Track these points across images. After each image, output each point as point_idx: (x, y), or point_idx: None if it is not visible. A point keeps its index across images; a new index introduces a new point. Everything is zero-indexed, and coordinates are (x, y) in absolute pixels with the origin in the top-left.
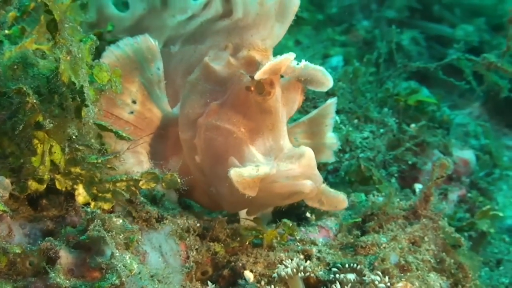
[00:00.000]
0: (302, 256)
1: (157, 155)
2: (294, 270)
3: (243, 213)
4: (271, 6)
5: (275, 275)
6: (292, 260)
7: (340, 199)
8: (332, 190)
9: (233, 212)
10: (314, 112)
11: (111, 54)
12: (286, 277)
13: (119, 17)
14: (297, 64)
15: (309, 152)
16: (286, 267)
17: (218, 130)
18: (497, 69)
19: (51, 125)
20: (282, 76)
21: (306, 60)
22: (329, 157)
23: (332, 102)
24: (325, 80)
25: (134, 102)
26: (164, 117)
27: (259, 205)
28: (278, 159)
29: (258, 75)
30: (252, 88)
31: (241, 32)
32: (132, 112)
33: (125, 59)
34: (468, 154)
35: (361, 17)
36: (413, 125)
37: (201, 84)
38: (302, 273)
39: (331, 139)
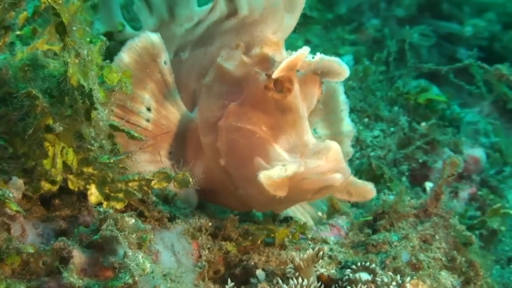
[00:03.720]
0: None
1: (178, 160)
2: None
3: None
4: None
5: (289, 268)
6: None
7: (369, 189)
8: (359, 180)
9: (264, 211)
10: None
11: (120, 64)
12: (302, 265)
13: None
14: (312, 57)
15: (335, 146)
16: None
17: (240, 132)
18: (509, 82)
19: (61, 128)
20: (297, 71)
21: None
22: (348, 148)
23: (339, 85)
24: (342, 70)
25: (149, 109)
26: (182, 122)
27: (289, 202)
28: (305, 156)
29: (275, 74)
30: (270, 86)
31: (250, 29)
32: (148, 120)
33: (134, 66)
34: (478, 152)
35: (371, 16)
36: (423, 124)
37: (216, 86)
38: (317, 260)
39: (348, 126)
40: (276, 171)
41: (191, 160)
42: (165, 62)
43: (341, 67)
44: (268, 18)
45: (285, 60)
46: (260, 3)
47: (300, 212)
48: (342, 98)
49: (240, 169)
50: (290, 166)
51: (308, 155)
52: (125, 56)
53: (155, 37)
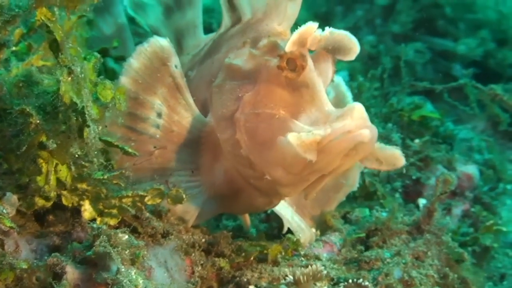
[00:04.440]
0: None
1: (193, 167)
2: (310, 275)
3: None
4: None
5: (289, 278)
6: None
7: (397, 155)
8: (388, 147)
9: (293, 195)
10: (331, 94)
11: (130, 70)
12: (302, 280)
13: None
14: (322, 32)
15: (358, 105)
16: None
17: (259, 117)
18: (502, 102)
19: (55, 145)
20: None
21: None
22: None
23: (339, 79)
24: (352, 44)
25: (159, 115)
26: (196, 127)
27: (317, 173)
28: (329, 122)
29: (288, 47)
30: (283, 65)
31: (255, 27)
32: (158, 127)
33: (144, 71)
34: (471, 169)
35: (366, 32)
36: (417, 140)
37: (228, 83)
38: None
39: None
40: (303, 133)
41: (208, 165)
42: (176, 66)
43: (351, 41)
44: (272, 13)
45: (295, 33)
46: (262, 2)
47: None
48: (343, 87)
49: (264, 153)
50: (316, 131)
51: (332, 120)
52: (135, 61)
53: (164, 41)
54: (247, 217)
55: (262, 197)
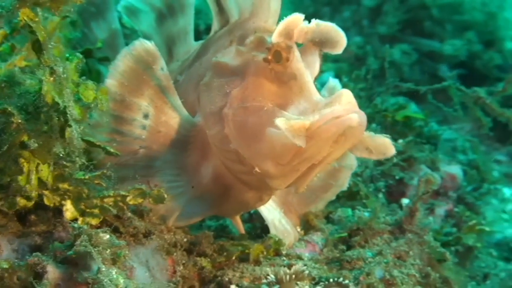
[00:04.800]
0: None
1: (179, 166)
2: (293, 275)
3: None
4: None
5: (270, 278)
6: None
7: (388, 143)
8: (378, 135)
9: (283, 187)
10: (326, 96)
11: (115, 72)
12: (284, 280)
13: None
14: (308, 24)
15: (346, 91)
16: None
17: (247, 111)
18: (485, 105)
19: (36, 145)
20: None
21: None
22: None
23: (335, 82)
24: (339, 37)
25: (146, 116)
26: (184, 127)
27: (307, 162)
28: (318, 109)
29: (274, 38)
30: (270, 58)
31: (242, 26)
32: (144, 127)
33: (130, 73)
34: (455, 169)
35: (354, 33)
36: (400, 141)
37: (215, 81)
38: (298, 280)
39: None
40: (292, 119)
41: (195, 164)
42: (162, 69)
43: (338, 33)
44: (258, 11)
45: (281, 23)
46: (248, 2)
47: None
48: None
49: (253, 146)
50: (305, 117)
51: (321, 108)
52: (120, 64)
53: (149, 44)
54: (238, 221)
55: (252, 192)
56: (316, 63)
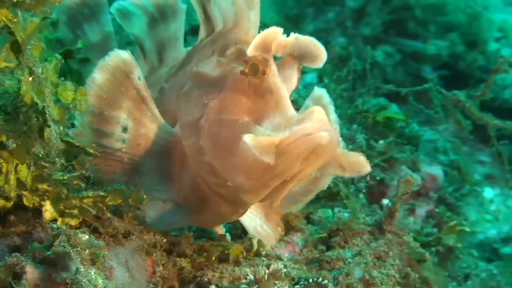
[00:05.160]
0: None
1: (162, 174)
2: (271, 274)
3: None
4: None
5: (249, 277)
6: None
7: (361, 160)
8: (352, 153)
9: (256, 202)
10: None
11: (93, 85)
12: (263, 279)
13: None
14: (287, 37)
15: (318, 108)
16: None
17: (222, 123)
18: (464, 109)
19: (14, 145)
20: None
21: None
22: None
23: (321, 92)
24: (319, 51)
25: (125, 130)
26: (163, 137)
27: (278, 178)
28: (290, 126)
29: (249, 51)
30: (246, 71)
31: (224, 35)
32: (124, 141)
33: (107, 86)
34: (436, 170)
35: (337, 34)
36: (381, 142)
37: (195, 91)
38: (276, 279)
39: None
40: (261, 135)
41: (177, 173)
42: (139, 78)
43: (317, 47)
44: (240, 22)
45: (257, 36)
46: (231, 11)
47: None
48: (332, 117)
49: (226, 159)
50: (275, 133)
51: (293, 124)
52: (98, 76)
53: (125, 54)
54: (220, 231)
55: (227, 205)
56: (293, 77)
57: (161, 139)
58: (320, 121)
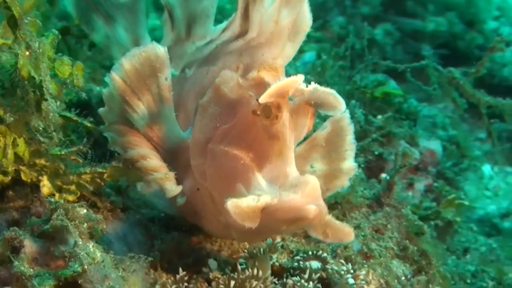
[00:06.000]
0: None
1: (171, 168)
2: (266, 248)
3: None
4: (286, 24)
5: (245, 254)
6: None
7: (346, 231)
8: (338, 222)
9: (243, 242)
10: (327, 129)
11: (121, 69)
12: (258, 254)
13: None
14: (306, 86)
15: (314, 181)
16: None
17: (227, 156)
18: (458, 86)
19: (12, 119)
20: (291, 99)
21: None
22: (344, 183)
23: (345, 115)
24: (337, 103)
25: (143, 118)
26: (172, 141)
27: (266, 232)
28: (282, 188)
29: (263, 98)
30: (259, 112)
31: (252, 51)
32: (143, 125)
33: (133, 74)
34: (434, 145)
35: (336, 14)
36: (379, 117)
37: (211, 107)
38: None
39: (349, 164)
40: (247, 200)
41: (182, 175)
42: (166, 79)
43: (337, 100)
44: (273, 43)
45: (275, 85)
46: (270, 27)
47: None
48: (349, 138)
49: (223, 194)
50: (264, 196)
51: (286, 187)
52: (127, 62)
53: (161, 51)
54: None
55: (219, 229)
56: (305, 127)
57: (170, 141)
58: (310, 196)
